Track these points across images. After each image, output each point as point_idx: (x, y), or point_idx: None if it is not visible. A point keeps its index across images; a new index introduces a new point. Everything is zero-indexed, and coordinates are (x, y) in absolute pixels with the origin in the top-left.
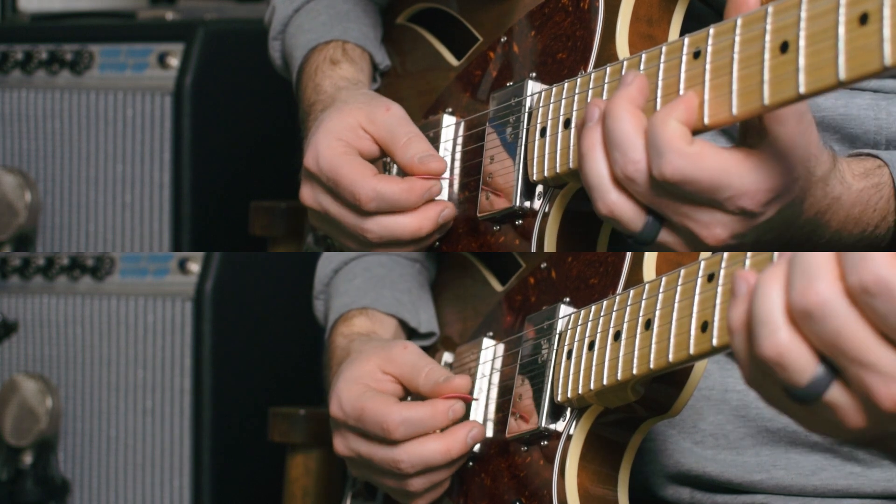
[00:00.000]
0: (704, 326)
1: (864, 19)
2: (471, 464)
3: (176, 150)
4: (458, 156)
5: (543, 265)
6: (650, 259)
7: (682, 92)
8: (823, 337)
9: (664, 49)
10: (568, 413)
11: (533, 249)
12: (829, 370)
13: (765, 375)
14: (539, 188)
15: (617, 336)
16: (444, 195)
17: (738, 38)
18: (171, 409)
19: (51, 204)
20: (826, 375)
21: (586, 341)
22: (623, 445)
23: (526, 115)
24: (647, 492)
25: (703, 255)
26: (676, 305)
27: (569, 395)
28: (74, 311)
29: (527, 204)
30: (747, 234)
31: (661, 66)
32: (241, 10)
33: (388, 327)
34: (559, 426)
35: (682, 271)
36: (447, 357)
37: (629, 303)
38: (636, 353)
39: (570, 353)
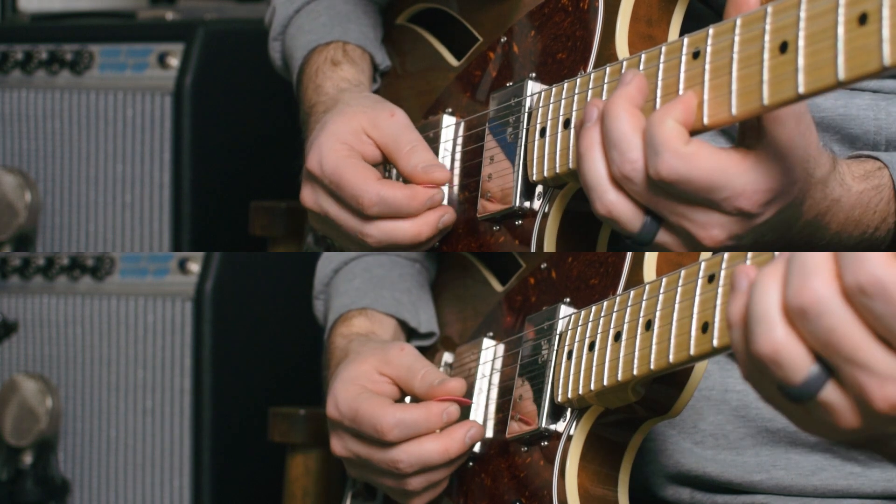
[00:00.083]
0: (705, 327)
1: (863, 19)
2: (471, 464)
3: (176, 150)
4: (457, 156)
5: (543, 265)
6: (651, 260)
7: (681, 92)
8: (818, 335)
9: (663, 49)
10: (568, 413)
11: (532, 250)
12: (824, 369)
13: (761, 372)
14: (539, 188)
15: (617, 337)
16: (445, 198)
17: (737, 38)
18: (171, 409)
19: (51, 204)
20: (821, 374)
21: (587, 342)
22: (623, 446)
23: (526, 115)
24: (647, 492)
25: (704, 255)
26: (677, 306)
27: (569, 395)
28: (74, 311)
29: (526, 204)
30: (745, 235)
31: (661, 66)
32: (241, 10)
33: (388, 328)
34: (559, 426)
35: (683, 272)
36: (447, 357)
37: (630, 303)
38: (637, 353)
39: (570, 353)
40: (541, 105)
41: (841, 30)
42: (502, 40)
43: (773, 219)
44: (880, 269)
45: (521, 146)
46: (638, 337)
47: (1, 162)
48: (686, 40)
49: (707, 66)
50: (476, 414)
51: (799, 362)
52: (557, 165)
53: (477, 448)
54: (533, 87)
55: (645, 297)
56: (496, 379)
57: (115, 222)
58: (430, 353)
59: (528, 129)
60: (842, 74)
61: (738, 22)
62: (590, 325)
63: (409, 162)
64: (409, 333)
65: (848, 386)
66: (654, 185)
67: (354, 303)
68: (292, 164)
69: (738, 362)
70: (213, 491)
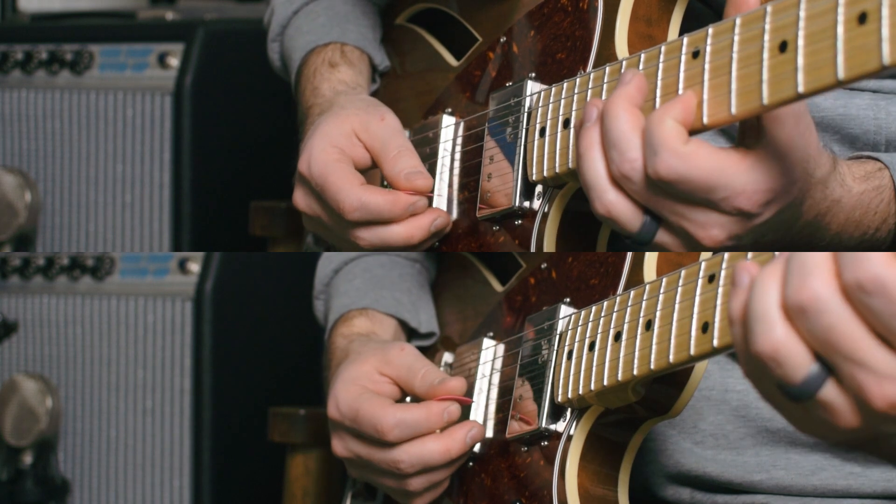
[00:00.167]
0: (705, 327)
1: (862, 19)
2: (471, 464)
3: (176, 150)
4: (457, 156)
5: (544, 265)
6: (651, 260)
7: (680, 91)
8: (817, 333)
9: (663, 49)
10: (568, 413)
11: (532, 249)
12: (824, 368)
13: (761, 371)
14: (538, 188)
15: (617, 337)
16: (444, 197)
17: (737, 38)
18: (171, 409)
19: (51, 204)
20: (820, 373)
21: (587, 342)
22: (623, 446)
23: (525, 115)
24: (647, 492)
25: (704, 255)
26: (677, 306)
27: (569, 395)
28: (74, 311)
29: (526, 204)
30: (745, 235)
31: (661, 65)
32: (241, 10)
33: (388, 328)
34: (559, 426)
35: (683, 272)
36: (447, 357)
37: (630, 303)
38: (637, 353)
39: (570, 353)
40: (540, 105)
41: (840, 29)
42: (502, 40)
43: (772, 219)
44: (880, 267)
45: (520, 146)
46: (638, 337)
47: (1, 162)
48: (685, 40)
49: (706, 66)
50: (476, 414)
51: (798, 361)
52: (557, 165)
53: (477, 448)
54: (532, 86)
55: (645, 297)
56: (496, 379)
57: (115, 222)
58: (430, 353)
59: (527, 129)
60: (841, 74)
61: (738, 21)
62: (590, 325)
63: (394, 167)
64: (410, 333)
65: (847, 384)
66: (653, 185)
67: (355, 303)
68: (292, 164)
69: (738, 360)
70: (213, 491)
